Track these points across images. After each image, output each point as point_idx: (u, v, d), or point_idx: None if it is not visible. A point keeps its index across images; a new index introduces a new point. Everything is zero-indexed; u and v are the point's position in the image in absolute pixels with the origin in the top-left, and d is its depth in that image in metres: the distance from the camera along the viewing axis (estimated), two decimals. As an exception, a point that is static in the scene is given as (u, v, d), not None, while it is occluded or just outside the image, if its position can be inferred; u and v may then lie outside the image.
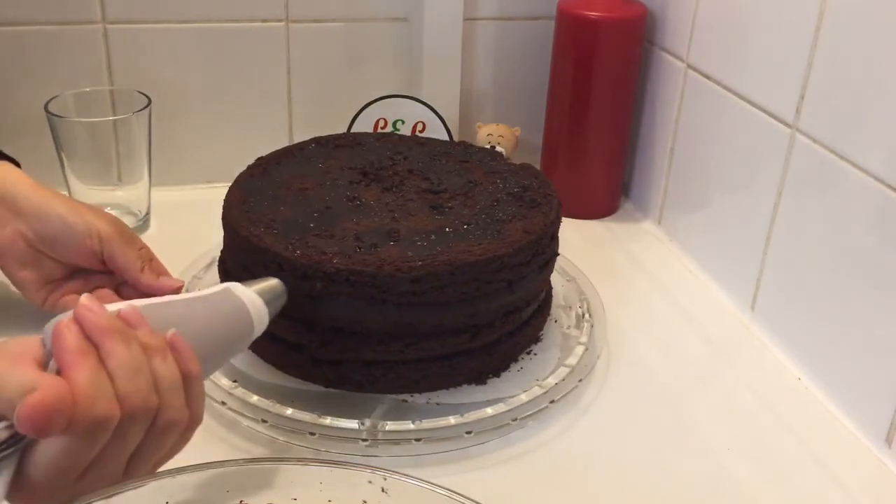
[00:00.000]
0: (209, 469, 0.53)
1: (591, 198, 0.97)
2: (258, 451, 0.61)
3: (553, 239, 0.71)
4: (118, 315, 0.46)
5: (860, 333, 0.65)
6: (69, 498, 0.44)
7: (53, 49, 0.90)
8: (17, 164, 0.72)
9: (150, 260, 0.72)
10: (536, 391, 0.65)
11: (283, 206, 0.69)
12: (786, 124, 0.72)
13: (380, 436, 0.61)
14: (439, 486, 0.52)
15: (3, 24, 0.88)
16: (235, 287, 0.56)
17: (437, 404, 0.66)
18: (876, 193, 0.63)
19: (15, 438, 0.42)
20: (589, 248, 0.91)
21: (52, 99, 0.82)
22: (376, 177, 0.74)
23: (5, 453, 0.41)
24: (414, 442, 0.61)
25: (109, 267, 0.70)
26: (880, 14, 0.61)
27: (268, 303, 0.57)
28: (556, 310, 0.77)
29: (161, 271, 0.73)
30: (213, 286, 0.56)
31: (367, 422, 0.61)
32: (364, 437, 0.61)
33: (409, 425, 0.61)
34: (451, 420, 0.62)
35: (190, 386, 0.47)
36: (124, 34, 0.91)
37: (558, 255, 0.73)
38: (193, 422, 0.48)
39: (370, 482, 0.53)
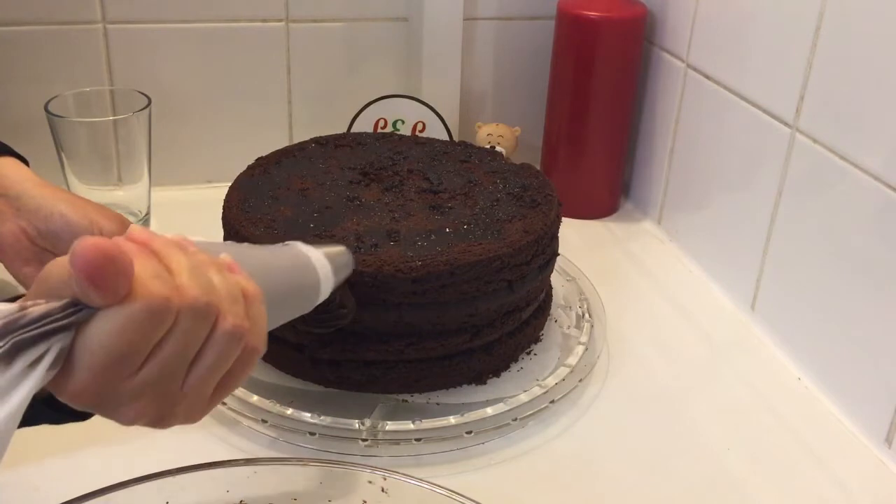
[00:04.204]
0: (209, 469, 0.53)
1: (591, 198, 0.97)
2: (258, 451, 0.61)
3: (553, 239, 0.71)
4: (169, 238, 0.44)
5: (860, 333, 0.65)
6: (119, 404, 0.41)
7: (53, 49, 0.90)
8: (25, 162, 0.72)
9: None
10: (536, 391, 0.65)
11: (283, 206, 0.69)
12: (786, 124, 0.72)
13: (380, 436, 0.61)
14: (439, 486, 0.52)
15: (3, 24, 0.88)
16: (301, 245, 0.53)
17: (437, 404, 0.66)
18: (876, 193, 0.63)
19: (69, 310, 0.38)
20: (589, 248, 0.91)
21: (52, 99, 0.82)
22: (376, 177, 0.74)
23: (56, 324, 0.38)
24: (414, 442, 0.61)
25: None
26: (880, 14, 0.61)
27: (335, 267, 0.54)
28: (556, 310, 0.77)
29: None
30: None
31: (367, 422, 0.61)
32: (364, 437, 0.61)
33: (409, 425, 0.61)
34: (452, 420, 0.62)
35: (250, 304, 0.44)
36: (124, 34, 0.91)
37: (558, 255, 0.73)
38: (254, 345, 0.44)
39: (370, 482, 0.53)
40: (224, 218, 0.69)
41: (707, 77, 0.83)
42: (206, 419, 0.63)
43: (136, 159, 0.85)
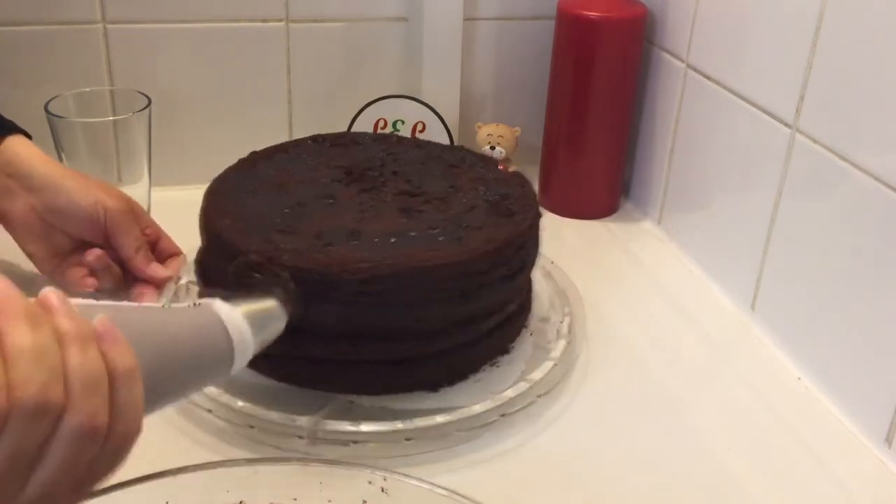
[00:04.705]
0: (209, 469, 0.53)
1: (591, 198, 0.97)
2: (257, 452, 0.61)
3: (520, 250, 0.67)
4: (37, 300, 0.38)
5: (860, 333, 0.65)
6: None
7: (53, 49, 0.89)
8: (28, 136, 0.73)
9: (156, 241, 0.74)
10: (489, 403, 0.63)
11: (256, 199, 0.69)
12: (786, 124, 0.72)
13: (319, 434, 0.61)
14: (439, 485, 0.52)
15: (3, 24, 0.88)
16: (214, 302, 0.48)
17: (382, 408, 0.65)
18: (876, 193, 0.63)
19: None
20: (589, 248, 0.91)
21: (52, 99, 0.82)
22: (359, 177, 0.73)
23: None
24: (351, 444, 0.61)
25: (112, 244, 0.71)
26: (880, 14, 0.61)
27: (256, 327, 0.49)
28: (535, 322, 0.74)
29: (169, 250, 0.75)
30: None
31: (309, 419, 0.61)
32: (302, 434, 0.60)
33: (348, 426, 0.61)
34: (394, 425, 0.61)
35: (119, 385, 0.38)
36: (124, 34, 0.91)
37: (527, 266, 0.70)
38: (123, 433, 0.38)
39: (370, 482, 0.53)
40: (201, 209, 0.69)
41: (707, 77, 0.83)
42: (206, 420, 0.64)
43: (136, 159, 0.85)
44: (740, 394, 0.70)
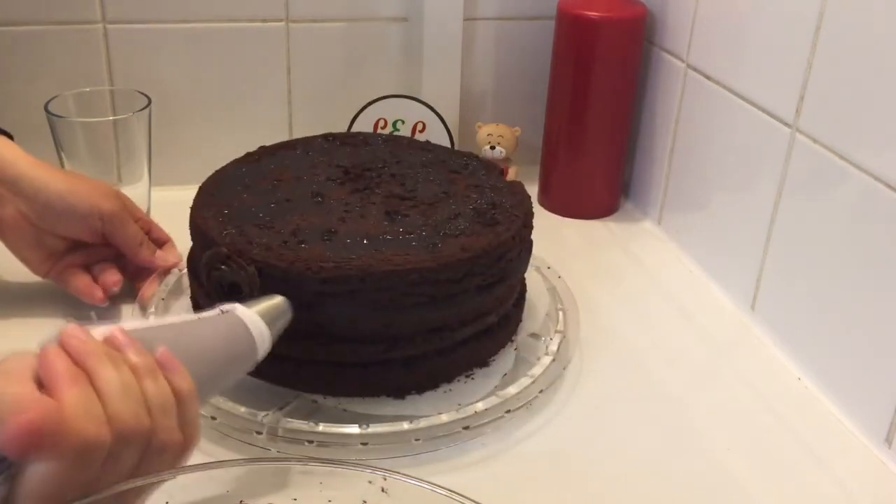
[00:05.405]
0: (209, 469, 0.53)
1: (591, 198, 0.97)
2: (256, 452, 0.61)
3: (501, 261, 0.65)
4: (105, 339, 0.45)
5: (860, 333, 0.65)
6: None
7: (53, 49, 0.90)
8: (10, 136, 0.73)
9: (148, 230, 0.75)
10: (454, 414, 0.62)
11: (247, 194, 0.69)
12: (786, 124, 0.72)
13: (279, 432, 0.60)
14: (439, 486, 0.52)
15: (3, 24, 0.88)
16: (236, 308, 0.55)
17: (345, 410, 0.64)
18: (876, 193, 0.63)
19: (3, 464, 0.39)
20: (589, 248, 0.91)
21: (52, 99, 0.82)
22: (356, 177, 0.72)
23: None
24: (306, 444, 0.60)
25: (110, 242, 0.72)
26: (880, 14, 0.61)
27: (270, 323, 0.55)
28: (525, 337, 0.72)
29: (162, 238, 0.77)
30: (213, 309, 0.55)
31: (268, 415, 0.61)
32: (259, 429, 0.60)
33: (305, 426, 0.60)
34: (350, 429, 0.60)
35: (183, 406, 0.46)
36: (124, 34, 0.91)
37: (508, 277, 0.68)
38: (187, 444, 0.46)
39: (370, 482, 0.53)
40: (194, 199, 0.69)
41: (707, 77, 0.83)
42: (204, 421, 0.64)
43: (136, 159, 0.85)
44: (740, 394, 0.70)
